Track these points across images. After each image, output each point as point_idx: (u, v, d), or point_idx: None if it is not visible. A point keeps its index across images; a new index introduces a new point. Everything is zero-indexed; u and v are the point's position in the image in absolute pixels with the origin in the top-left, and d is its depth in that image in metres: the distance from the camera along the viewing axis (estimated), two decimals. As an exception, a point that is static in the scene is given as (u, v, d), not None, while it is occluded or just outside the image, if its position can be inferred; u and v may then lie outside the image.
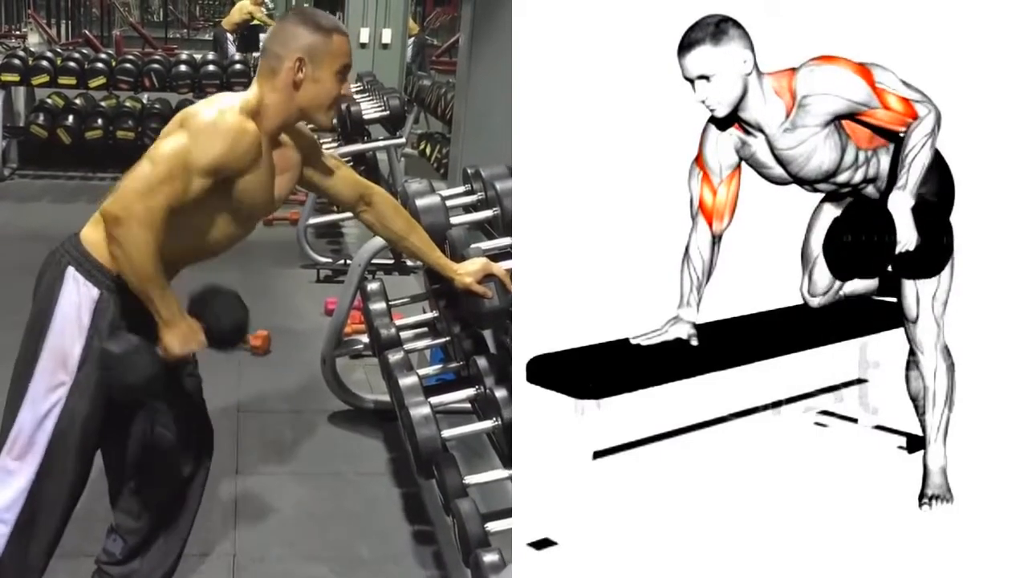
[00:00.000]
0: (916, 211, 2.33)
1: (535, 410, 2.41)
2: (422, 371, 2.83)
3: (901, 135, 2.37)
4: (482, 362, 2.58)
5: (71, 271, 2.17)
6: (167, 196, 2.03)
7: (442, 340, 3.04)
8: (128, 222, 2.00)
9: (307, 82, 2.18)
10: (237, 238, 2.30)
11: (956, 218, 2.48)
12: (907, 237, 2.33)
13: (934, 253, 2.43)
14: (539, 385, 2.42)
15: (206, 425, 2.53)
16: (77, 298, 2.16)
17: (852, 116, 2.36)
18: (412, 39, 11.33)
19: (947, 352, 2.51)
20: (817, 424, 2.99)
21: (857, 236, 2.41)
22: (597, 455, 2.49)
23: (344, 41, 2.22)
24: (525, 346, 2.43)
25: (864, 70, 2.33)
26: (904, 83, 2.35)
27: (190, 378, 2.47)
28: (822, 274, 2.69)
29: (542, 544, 2.42)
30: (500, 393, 2.44)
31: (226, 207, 2.20)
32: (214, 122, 2.10)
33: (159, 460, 2.44)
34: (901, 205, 2.33)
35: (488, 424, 2.53)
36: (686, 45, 2.28)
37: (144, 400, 2.26)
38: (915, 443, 2.73)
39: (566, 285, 2.59)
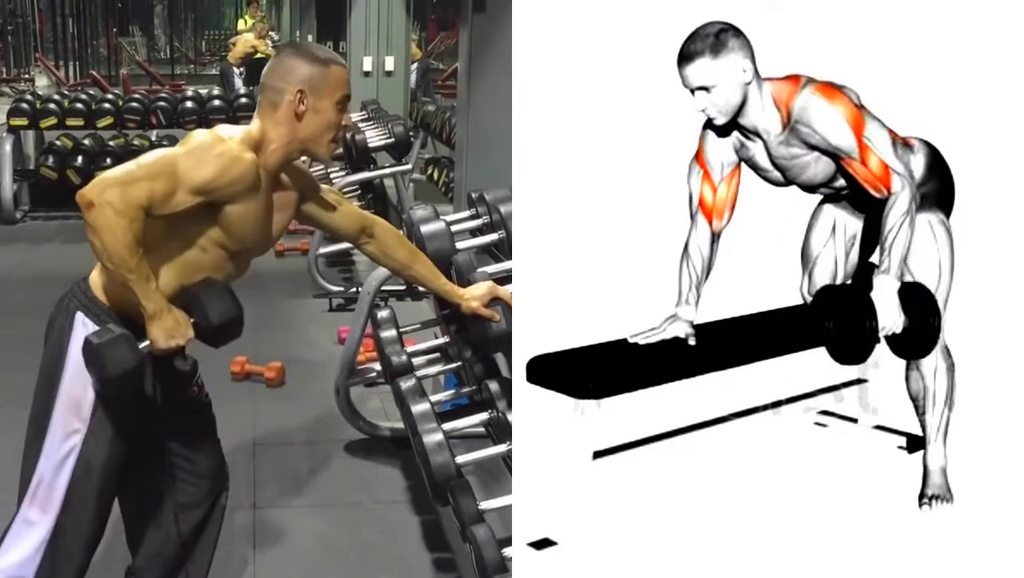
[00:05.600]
0: (903, 293, 2.32)
1: (535, 410, 2.40)
2: (435, 397, 2.82)
3: (870, 192, 2.36)
4: (494, 386, 2.57)
5: (80, 316, 2.16)
6: (145, 191, 2.00)
7: (454, 365, 3.03)
8: (102, 207, 1.95)
9: (309, 113, 2.18)
10: (230, 277, 2.27)
11: (956, 218, 2.47)
12: (892, 322, 2.31)
13: (922, 334, 2.41)
14: (539, 385, 2.41)
15: (220, 462, 2.52)
16: None
17: (831, 155, 2.36)
18: (415, 64, 11.38)
19: (947, 352, 2.50)
20: (817, 424, 2.98)
21: (839, 324, 2.41)
22: (597, 455, 2.48)
23: (342, 71, 2.23)
24: (525, 346, 2.43)
25: (858, 119, 2.30)
26: (893, 146, 2.33)
27: (203, 413, 2.46)
28: (822, 274, 2.67)
29: (542, 544, 2.42)
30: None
31: (217, 239, 2.18)
32: (212, 144, 2.11)
33: (173, 500, 2.43)
34: (886, 290, 2.31)
35: (503, 448, 2.52)
36: (685, 57, 2.28)
37: (126, 396, 2.18)
38: (915, 443, 2.72)
39: (566, 285, 2.58)
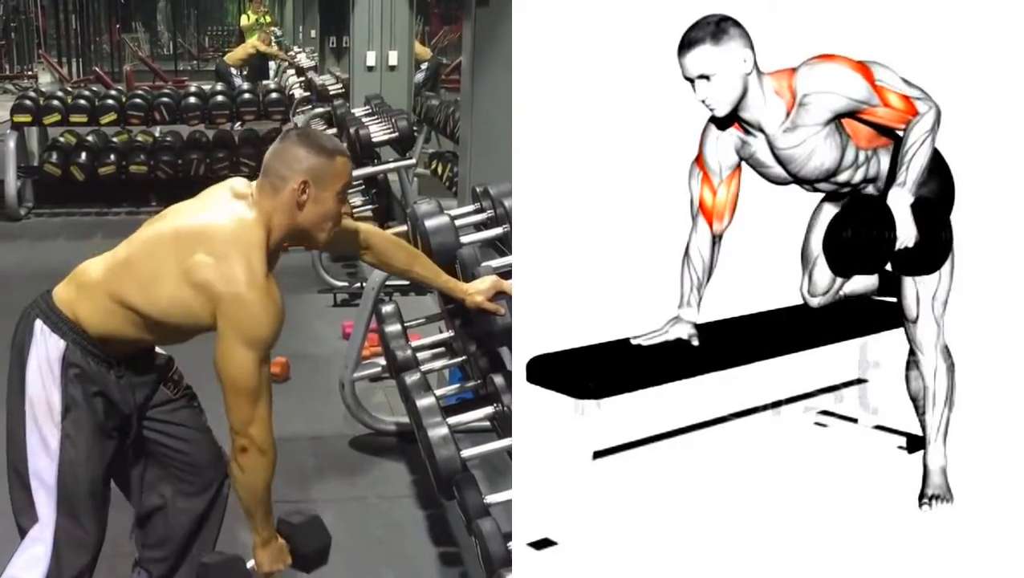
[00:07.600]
0: (916, 208, 2.32)
1: (535, 410, 2.40)
2: (440, 391, 2.82)
3: (901, 133, 2.36)
4: (499, 380, 2.57)
5: (38, 324, 2.21)
6: (269, 402, 2.18)
7: (459, 359, 3.03)
8: (252, 451, 2.16)
9: (310, 203, 2.20)
10: None
11: (956, 218, 2.46)
12: (906, 234, 2.31)
13: (934, 250, 2.41)
14: (539, 385, 2.41)
15: (215, 452, 2.53)
16: (45, 350, 2.19)
17: (852, 114, 2.36)
18: (426, 64, 11.35)
19: (947, 352, 2.50)
20: (817, 424, 2.97)
21: (857, 231, 2.39)
22: (597, 455, 2.48)
23: (347, 163, 2.25)
24: (525, 346, 2.42)
25: (864, 68, 2.32)
26: (904, 80, 2.34)
27: (185, 407, 2.47)
28: (822, 274, 2.68)
29: (542, 544, 2.42)
30: (518, 411, 2.43)
31: None
32: (256, 305, 2.19)
33: (174, 491, 2.44)
34: (901, 202, 2.31)
35: (507, 442, 2.51)
36: (686, 44, 2.28)
37: None
38: (915, 443, 2.71)
39: (566, 285, 2.58)
